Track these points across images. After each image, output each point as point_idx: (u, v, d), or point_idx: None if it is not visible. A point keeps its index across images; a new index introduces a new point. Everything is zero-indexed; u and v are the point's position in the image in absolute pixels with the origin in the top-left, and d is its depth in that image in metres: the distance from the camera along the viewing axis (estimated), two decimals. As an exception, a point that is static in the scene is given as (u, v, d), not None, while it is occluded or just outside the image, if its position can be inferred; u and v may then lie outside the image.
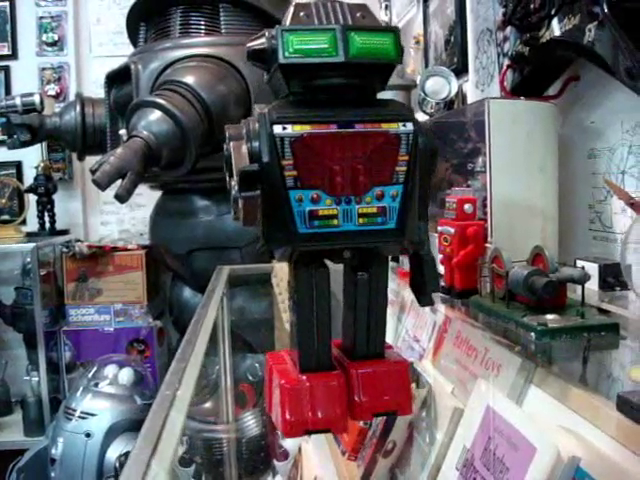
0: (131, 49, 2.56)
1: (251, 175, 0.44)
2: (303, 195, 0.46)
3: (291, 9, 0.47)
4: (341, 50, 0.45)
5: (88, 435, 2.21)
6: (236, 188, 0.44)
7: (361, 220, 0.47)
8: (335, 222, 0.47)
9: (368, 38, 0.46)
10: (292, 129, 0.45)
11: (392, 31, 0.47)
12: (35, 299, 2.74)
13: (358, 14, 0.48)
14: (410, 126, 0.47)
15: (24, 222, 3.16)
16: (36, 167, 3.04)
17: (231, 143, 0.47)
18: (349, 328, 0.53)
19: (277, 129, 0.45)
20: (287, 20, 0.47)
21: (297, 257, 0.48)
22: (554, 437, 0.65)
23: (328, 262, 0.52)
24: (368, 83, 0.49)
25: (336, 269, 0.53)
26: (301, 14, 0.47)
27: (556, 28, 1.01)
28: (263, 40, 0.47)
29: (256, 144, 0.46)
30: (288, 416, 0.48)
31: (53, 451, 2.21)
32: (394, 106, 0.49)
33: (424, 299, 0.53)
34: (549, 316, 0.77)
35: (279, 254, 0.48)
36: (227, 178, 0.48)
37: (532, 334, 0.76)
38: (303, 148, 0.45)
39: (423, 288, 0.53)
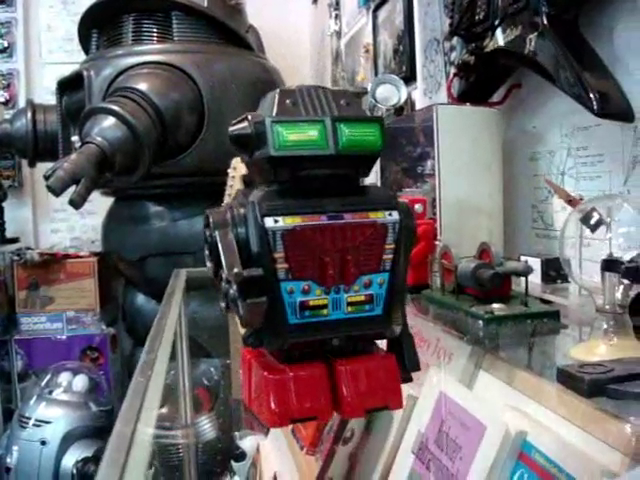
0: (82, 56, 2.55)
1: (255, 280, 0.44)
2: (294, 287, 0.45)
3: (276, 96, 0.47)
4: (331, 142, 0.46)
5: (43, 443, 2.20)
6: (234, 289, 0.43)
7: (349, 308, 0.47)
8: (325, 312, 0.47)
9: (356, 129, 0.46)
10: (284, 222, 0.45)
11: (377, 121, 0.48)
12: (-15, 308, 2.71)
13: (342, 101, 0.48)
14: (395, 215, 0.48)
15: (-27, 230, 3.12)
16: (-16, 174, 3.02)
17: (216, 231, 0.46)
18: None
19: (269, 222, 0.45)
20: (273, 108, 0.46)
21: (288, 347, 0.48)
22: (502, 415, 0.71)
23: None
24: (354, 172, 0.49)
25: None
26: (287, 102, 0.47)
27: (500, 38, 1.07)
28: (245, 124, 0.46)
29: (242, 230, 0.46)
30: (273, 406, 0.48)
31: (8, 460, 2.19)
32: (378, 193, 0.49)
33: (403, 376, 0.52)
34: (495, 305, 0.83)
35: (268, 344, 0.48)
36: (208, 263, 0.48)
37: (480, 322, 0.81)
38: (294, 240, 0.45)
39: (402, 366, 0.52)
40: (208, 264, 0.48)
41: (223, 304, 0.46)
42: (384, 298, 0.48)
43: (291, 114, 0.46)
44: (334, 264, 0.47)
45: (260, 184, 0.49)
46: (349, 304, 0.47)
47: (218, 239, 0.46)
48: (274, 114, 0.46)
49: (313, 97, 0.48)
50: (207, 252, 0.48)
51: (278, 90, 0.48)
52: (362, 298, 0.48)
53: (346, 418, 0.52)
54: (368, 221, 0.47)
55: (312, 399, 0.49)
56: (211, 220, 0.47)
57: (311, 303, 0.46)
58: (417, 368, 0.53)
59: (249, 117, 0.46)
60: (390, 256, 0.48)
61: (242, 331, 0.49)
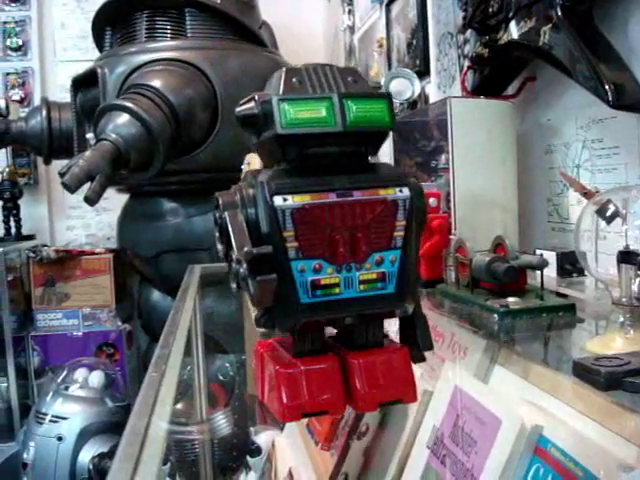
0: (96, 53, 2.57)
1: (266, 258, 0.43)
2: (305, 265, 0.45)
3: (282, 75, 0.47)
4: (339, 119, 0.45)
5: (60, 438, 2.22)
6: (244, 267, 0.43)
7: (362, 287, 0.47)
8: (337, 290, 0.46)
9: (364, 106, 0.46)
10: (293, 200, 0.44)
11: (385, 97, 0.47)
12: (2, 305, 2.72)
13: (349, 78, 0.47)
14: (406, 191, 0.47)
15: (-11, 227, 3.14)
16: (1, 172, 3.03)
17: (226, 212, 0.45)
18: None
19: (278, 201, 0.44)
20: (280, 87, 0.46)
21: (300, 327, 0.48)
22: (518, 409, 0.70)
23: None
24: (362, 149, 0.48)
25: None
26: (293, 80, 0.46)
27: (514, 30, 1.07)
28: (252, 104, 0.46)
29: (252, 211, 0.45)
30: (285, 401, 0.48)
31: (25, 456, 2.22)
32: (387, 170, 0.49)
33: (416, 356, 0.52)
34: (510, 299, 0.83)
35: (280, 324, 0.48)
36: (219, 246, 0.47)
37: (495, 316, 0.81)
38: (304, 219, 0.45)
39: (415, 345, 0.52)
40: (218, 246, 0.48)
41: (234, 285, 0.45)
42: (396, 276, 0.48)
43: (298, 92, 0.46)
44: (344, 242, 0.46)
45: (269, 165, 0.49)
46: (361, 282, 0.47)
47: (228, 220, 0.45)
48: (281, 93, 0.46)
49: (320, 75, 0.47)
50: (217, 234, 0.47)
51: (284, 69, 0.47)
52: (374, 276, 0.47)
53: (359, 412, 0.51)
54: (378, 198, 0.47)
55: (324, 393, 0.48)
56: (220, 202, 0.47)
57: (323, 282, 0.46)
58: (430, 347, 0.52)
59: (256, 97, 0.46)
60: (401, 233, 0.47)
61: (254, 313, 0.49)
